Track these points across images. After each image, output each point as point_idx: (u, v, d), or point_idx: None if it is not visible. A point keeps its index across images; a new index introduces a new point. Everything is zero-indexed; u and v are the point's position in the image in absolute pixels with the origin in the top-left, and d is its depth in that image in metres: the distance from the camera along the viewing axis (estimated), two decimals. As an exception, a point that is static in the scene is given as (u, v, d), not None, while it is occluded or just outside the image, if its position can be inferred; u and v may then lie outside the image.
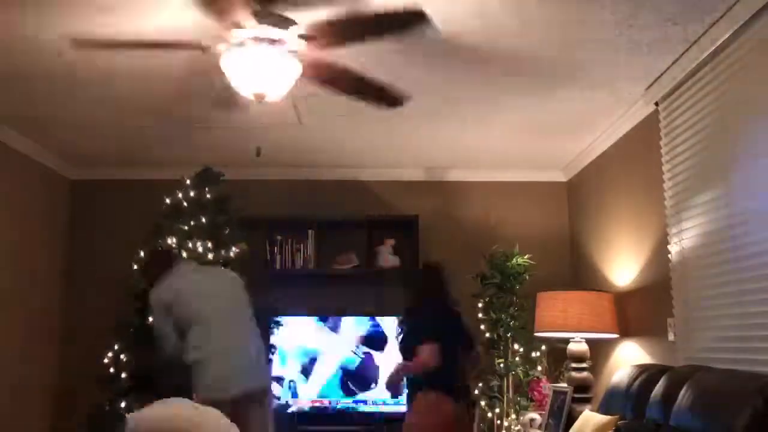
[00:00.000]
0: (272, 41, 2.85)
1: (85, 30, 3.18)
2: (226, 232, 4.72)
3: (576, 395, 4.26)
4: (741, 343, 3.06)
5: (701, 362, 3.25)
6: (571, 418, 4.10)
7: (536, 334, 4.63)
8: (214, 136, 4.92)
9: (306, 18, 2.88)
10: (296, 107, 4.18)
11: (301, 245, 5.51)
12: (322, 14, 2.88)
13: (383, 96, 3.39)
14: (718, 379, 2.80)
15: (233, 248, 4.70)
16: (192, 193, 4.73)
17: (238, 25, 2.78)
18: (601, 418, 3.54)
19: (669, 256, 3.75)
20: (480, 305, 5.00)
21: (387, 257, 5.54)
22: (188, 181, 4.77)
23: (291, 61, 2.94)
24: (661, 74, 3.72)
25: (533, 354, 4.93)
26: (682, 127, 3.61)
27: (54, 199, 5.53)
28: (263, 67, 2.89)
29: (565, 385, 4.40)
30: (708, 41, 3.23)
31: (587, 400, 4.29)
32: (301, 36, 2.88)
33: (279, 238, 5.52)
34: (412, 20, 2.77)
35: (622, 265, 4.51)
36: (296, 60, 2.96)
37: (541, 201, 5.80)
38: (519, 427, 4.66)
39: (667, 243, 3.77)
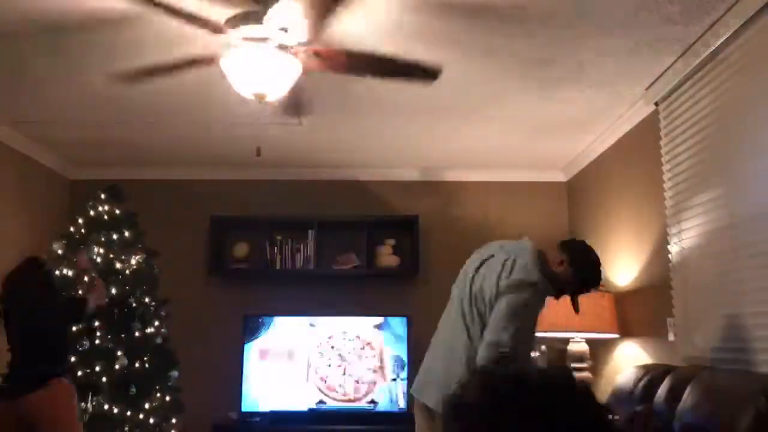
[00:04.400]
0: (262, 39, 2.83)
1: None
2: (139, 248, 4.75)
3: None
4: (741, 344, 3.06)
5: (701, 362, 3.25)
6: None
7: (536, 334, 4.62)
8: (214, 136, 4.92)
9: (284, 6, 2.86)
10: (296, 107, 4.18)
11: (302, 245, 5.51)
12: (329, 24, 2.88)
13: (416, 72, 3.21)
14: (720, 380, 2.81)
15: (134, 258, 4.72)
16: (105, 207, 4.77)
17: (221, 30, 2.78)
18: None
19: (669, 256, 3.75)
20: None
21: (387, 258, 5.55)
22: (103, 196, 4.79)
23: (289, 59, 2.93)
24: (661, 74, 3.72)
25: (533, 354, 4.91)
26: (682, 127, 3.61)
27: (54, 198, 5.53)
28: (260, 67, 2.89)
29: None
30: (708, 41, 3.23)
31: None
32: (311, 51, 2.88)
33: (279, 238, 5.52)
34: (425, 76, 2.75)
35: (623, 265, 4.51)
36: (295, 58, 2.96)
37: (541, 201, 5.80)
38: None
39: (667, 243, 3.77)
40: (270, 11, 2.63)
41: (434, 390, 2.94)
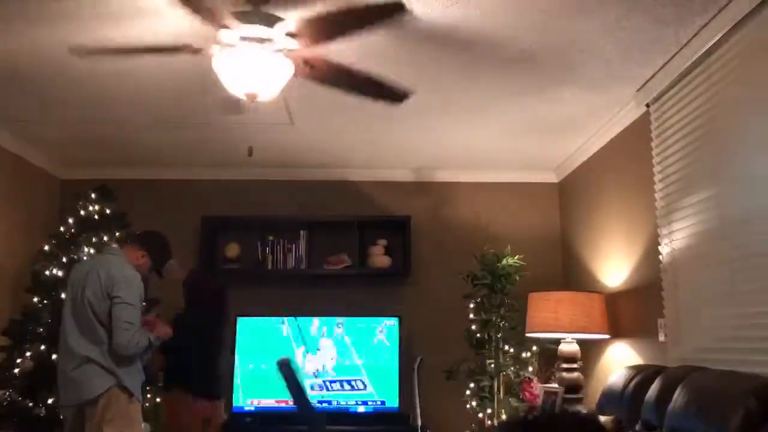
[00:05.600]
0: (262, 40, 2.84)
1: (75, 34, 3.17)
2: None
3: (567, 395, 4.27)
4: (731, 344, 3.07)
5: (692, 363, 3.26)
6: (562, 419, 4.11)
7: (527, 335, 4.63)
8: (205, 136, 4.91)
9: (294, 16, 2.88)
10: (288, 107, 4.18)
11: (293, 246, 5.50)
12: (307, 11, 2.88)
13: (386, 93, 3.32)
14: (711, 380, 2.81)
15: None
16: (96, 207, 4.79)
17: (226, 26, 2.77)
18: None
19: (660, 257, 3.77)
20: (471, 306, 5.00)
21: (379, 258, 5.55)
22: (93, 195, 4.78)
23: (282, 60, 2.93)
24: (653, 76, 3.73)
25: (524, 354, 4.93)
26: (672, 128, 3.63)
27: (44, 198, 5.50)
28: (254, 67, 2.88)
29: (556, 385, 4.40)
30: (699, 43, 3.25)
31: (578, 401, 4.30)
32: (288, 34, 2.87)
33: (271, 238, 5.52)
34: (391, 10, 2.77)
35: (613, 266, 4.53)
36: (288, 60, 2.96)
37: (533, 202, 5.81)
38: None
39: (658, 244, 3.79)
40: (261, 11, 2.63)
41: None
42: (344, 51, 3.19)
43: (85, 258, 4.61)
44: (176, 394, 3.92)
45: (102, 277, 3.54)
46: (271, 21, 2.83)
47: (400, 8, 2.67)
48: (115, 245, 4.42)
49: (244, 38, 2.83)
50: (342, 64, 3.11)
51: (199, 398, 3.92)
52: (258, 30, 2.82)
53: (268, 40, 2.85)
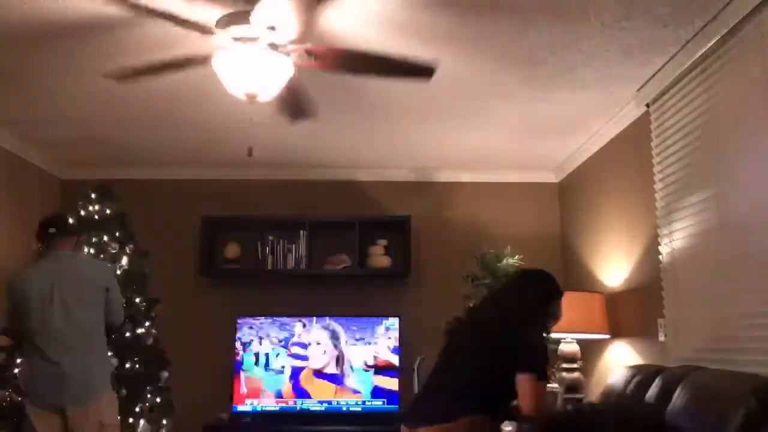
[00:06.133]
0: (255, 39, 2.83)
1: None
2: (130, 247, 4.74)
3: (567, 395, 4.27)
4: (731, 344, 3.08)
5: (691, 363, 3.26)
6: (562, 419, 4.11)
7: (527, 335, 4.63)
8: (205, 136, 4.91)
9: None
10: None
11: (293, 246, 5.50)
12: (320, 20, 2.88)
13: (409, 70, 3.16)
14: (710, 380, 2.82)
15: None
16: (96, 207, 4.75)
17: (210, 31, 2.77)
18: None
19: (660, 257, 3.77)
20: (471, 306, 4.99)
21: (379, 258, 5.55)
22: (93, 195, 4.78)
23: (282, 60, 2.93)
24: (652, 76, 3.73)
25: (524, 354, 4.92)
26: (673, 128, 3.63)
27: (44, 198, 5.50)
28: (254, 67, 2.88)
29: (556, 385, 4.40)
30: (699, 43, 3.25)
31: (578, 401, 4.30)
32: (305, 51, 2.87)
33: (271, 238, 5.51)
34: (420, 73, 2.75)
35: (613, 266, 4.53)
36: (288, 58, 2.95)
37: (533, 202, 5.81)
38: (510, 427, 4.66)
39: (658, 244, 3.79)
40: (257, 10, 2.62)
41: None
42: (347, 36, 3.17)
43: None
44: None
45: None
46: (246, 17, 2.75)
47: (429, 74, 2.64)
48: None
49: (235, 39, 2.83)
50: (356, 48, 3.07)
51: None
52: (242, 30, 2.80)
53: (253, 38, 2.82)
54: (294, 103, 3.34)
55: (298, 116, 3.45)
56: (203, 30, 2.83)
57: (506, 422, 3.87)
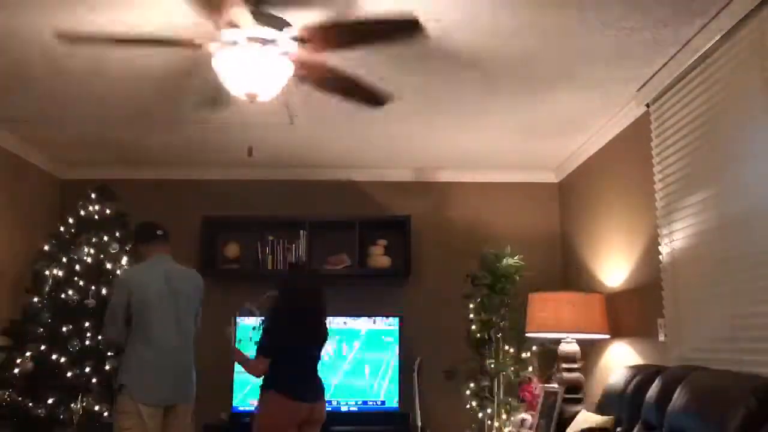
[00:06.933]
0: (265, 41, 2.84)
1: (76, 27, 3.16)
2: (128, 247, 4.77)
3: (567, 396, 4.27)
4: (731, 344, 3.07)
5: (691, 362, 3.26)
6: (562, 419, 4.11)
7: (527, 335, 4.64)
8: (205, 136, 4.91)
9: (300, 19, 2.88)
10: (288, 107, 4.17)
11: (293, 246, 5.50)
12: (316, 16, 2.89)
13: (369, 96, 3.37)
14: (711, 380, 2.82)
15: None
16: (96, 207, 4.80)
17: (231, 25, 2.77)
18: (598, 418, 3.57)
19: (660, 257, 3.77)
20: (471, 306, 5.00)
21: (379, 258, 5.55)
22: (93, 195, 4.78)
23: (283, 61, 2.93)
24: (652, 76, 3.73)
25: (524, 355, 4.93)
26: (672, 128, 3.63)
27: (45, 198, 5.50)
28: (255, 67, 2.88)
29: (556, 385, 4.41)
30: (699, 43, 3.25)
31: (578, 401, 4.30)
32: (294, 38, 2.87)
33: (271, 238, 5.52)
34: (405, 28, 2.77)
35: (613, 266, 4.53)
36: (288, 60, 2.96)
37: (533, 202, 5.81)
38: (510, 427, 4.67)
39: (658, 244, 3.79)
40: (259, 11, 2.63)
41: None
42: (344, 53, 3.18)
43: (86, 258, 4.62)
44: (274, 396, 3.66)
45: None
46: (280, 24, 2.83)
47: (415, 26, 2.66)
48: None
49: (250, 38, 2.83)
50: (331, 65, 3.11)
51: (297, 401, 3.67)
52: (265, 32, 2.82)
53: (272, 41, 2.84)
54: (366, 91, 3.35)
55: (377, 103, 3.46)
56: (203, 30, 2.83)
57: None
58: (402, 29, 2.81)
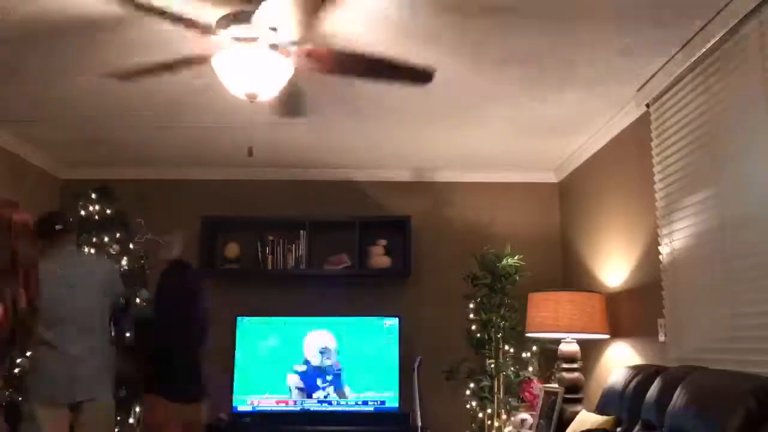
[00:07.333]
0: (255, 39, 2.83)
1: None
2: (130, 247, 4.77)
3: (567, 396, 4.27)
4: (731, 344, 3.08)
5: (692, 363, 3.26)
6: (562, 419, 4.12)
7: (527, 335, 4.64)
8: (205, 136, 4.91)
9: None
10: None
11: (293, 246, 5.50)
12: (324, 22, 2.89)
13: (407, 74, 3.22)
14: (711, 380, 2.82)
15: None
16: (96, 207, 4.78)
17: (211, 31, 2.77)
18: (598, 418, 3.57)
19: (660, 257, 3.77)
20: (471, 306, 5.01)
21: (379, 258, 5.55)
22: (93, 195, 4.79)
23: (282, 60, 2.93)
24: (652, 76, 3.73)
25: (524, 355, 4.94)
26: (673, 128, 3.63)
27: (44, 198, 5.50)
28: (254, 67, 2.88)
29: (556, 385, 4.41)
30: (699, 43, 3.25)
31: (578, 401, 4.30)
32: (302, 52, 2.87)
33: (271, 238, 5.52)
34: (418, 78, 2.76)
35: (613, 266, 4.53)
36: (288, 59, 2.95)
37: (533, 202, 5.81)
38: (510, 427, 4.67)
39: (658, 244, 3.79)
40: (259, 10, 2.62)
41: None
42: (350, 38, 3.17)
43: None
44: (154, 398, 3.81)
45: None
46: (247, 17, 2.76)
47: (428, 78, 2.65)
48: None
49: (236, 39, 2.83)
50: (355, 51, 3.07)
51: (178, 402, 3.81)
52: (242, 30, 2.80)
53: (254, 38, 2.82)
54: (290, 101, 3.33)
55: (293, 114, 3.44)
56: (203, 30, 2.84)
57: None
58: (415, 77, 2.80)
